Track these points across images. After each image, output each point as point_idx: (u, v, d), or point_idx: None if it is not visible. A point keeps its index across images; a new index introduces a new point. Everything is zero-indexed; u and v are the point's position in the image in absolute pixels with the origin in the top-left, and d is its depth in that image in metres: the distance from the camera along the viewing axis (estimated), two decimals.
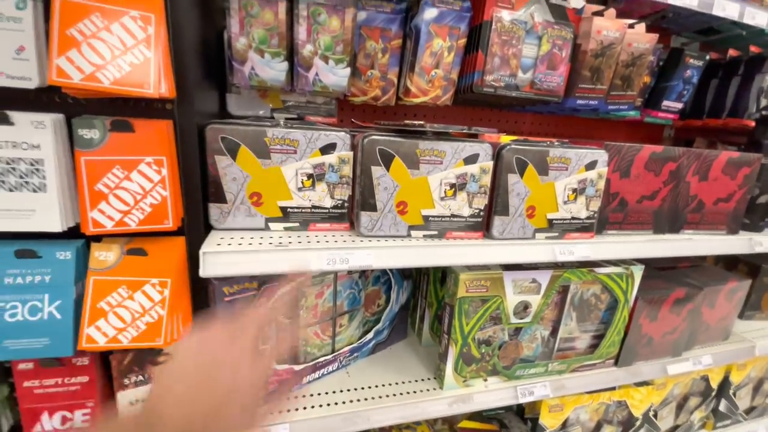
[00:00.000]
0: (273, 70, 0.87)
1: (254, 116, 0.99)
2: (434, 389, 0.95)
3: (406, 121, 0.88)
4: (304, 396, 0.90)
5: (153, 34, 0.61)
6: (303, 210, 0.79)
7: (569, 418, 1.17)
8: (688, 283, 1.16)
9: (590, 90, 1.02)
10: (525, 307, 0.95)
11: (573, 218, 0.90)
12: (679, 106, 1.24)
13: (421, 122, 0.84)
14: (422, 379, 0.99)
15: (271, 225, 0.79)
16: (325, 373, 0.96)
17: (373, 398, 0.90)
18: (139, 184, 0.64)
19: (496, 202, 0.84)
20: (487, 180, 0.83)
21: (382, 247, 0.77)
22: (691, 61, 1.16)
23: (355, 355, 1.02)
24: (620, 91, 1.08)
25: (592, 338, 1.08)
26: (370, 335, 1.04)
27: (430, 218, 0.82)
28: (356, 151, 0.79)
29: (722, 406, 1.46)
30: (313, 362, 0.92)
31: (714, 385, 1.41)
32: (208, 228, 0.76)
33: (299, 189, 0.78)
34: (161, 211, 0.66)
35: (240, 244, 0.71)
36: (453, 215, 0.83)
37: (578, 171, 0.87)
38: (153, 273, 0.68)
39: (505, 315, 0.93)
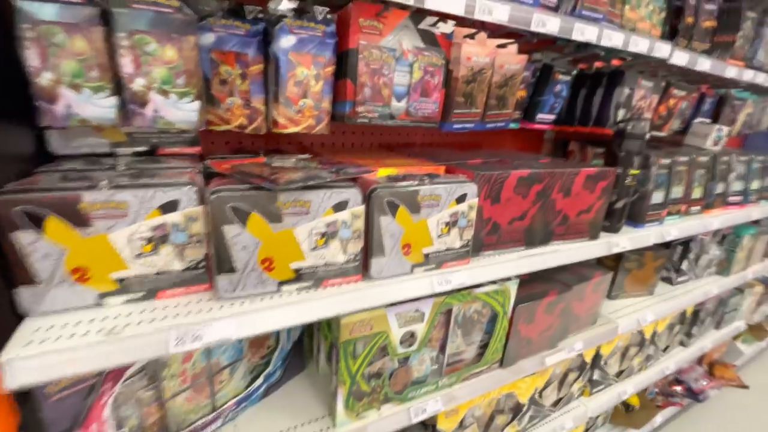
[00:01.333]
0: (97, 107, 0.72)
1: (86, 156, 0.83)
2: (328, 428, 0.94)
3: (274, 164, 0.80)
4: None
5: None
6: (146, 278, 0.69)
7: (465, 417, 1.26)
8: (560, 281, 1.29)
9: (465, 114, 1.03)
10: (411, 335, 0.97)
11: (448, 249, 0.91)
12: (552, 117, 1.32)
13: (302, 157, 0.77)
14: (316, 419, 0.97)
15: (107, 300, 0.67)
16: None
17: None
18: None
19: (372, 244, 0.82)
20: (360, 224, 0.80)
21: (245, 312, 0.71)
22: (560, 76, 1.23)
23: (243, 405, 0.97)
24: (496, 110, 1.11)
25: (478, 348, 1.15)
26: (259, 381, 0.99)
27: (303, 270, 0.77)
28: (206, 208, 0.70)
29: (596, 375, 1.69)
30: (190, 427, 0.85)
31: (588, 359, 1.62)
32: (21, 317, 0.63)
33: (137, 255, 0.67)
34: None
35: (60, 336, 0.59)
36: (327, 264, 0.80)
37: (449, 205, 0.87)
38: None
39: (392, 348, 0.94)
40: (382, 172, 0.91)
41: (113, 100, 0.73)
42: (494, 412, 1.35)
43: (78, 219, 0.62)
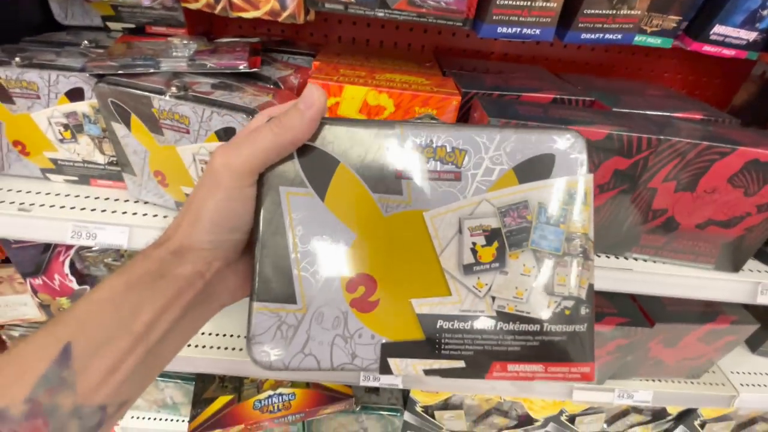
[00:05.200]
0: None
1: (83, 28, 0.82)
2: None
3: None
4: None
5: None
6: (75, 164, 0.69)
7: (450, 398, 1.09)
8: (638, 309, 0.84)
9: (522, 11, 0.60)
10: None
11: None
12: (748, 36, 0.69)
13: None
14: None
15: (49, 176, 0.71)
16: None
17: (203, 346, 0.92)
18: None
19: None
20: None
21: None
22: None
23: None
24: (603, 9, 0.62)
25: None
26: None
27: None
28: None
29: (679, 430, 1.21)
30: None
31: (671, 411, 1.15)
32: None
33: (61, 141, 0.66)
34: None
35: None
36: None
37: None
38: None
39: None
40: (353, 92, 0.64)
41: None
42: (492, 410, 1.13)
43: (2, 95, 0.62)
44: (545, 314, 0.33)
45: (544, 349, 0.33)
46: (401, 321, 0.33)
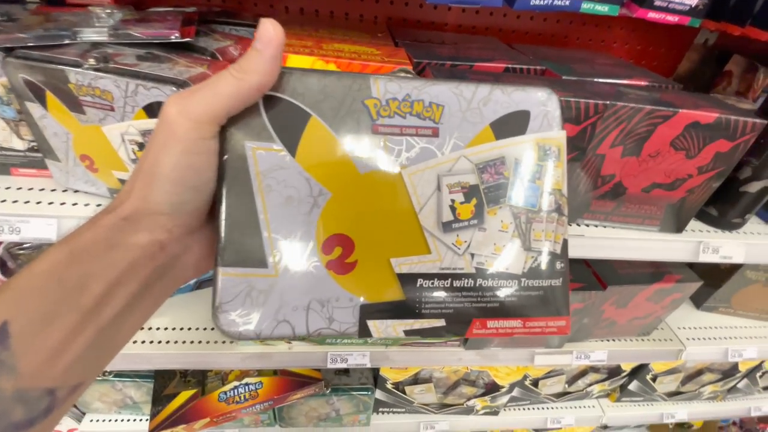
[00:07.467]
0: None
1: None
2: (230, 343, 0.90)
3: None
4: None
5: None
6: None
7: (419, 373, 1.11)
8: (591, 273, 0.87)
9: None
10: None
11: None
12: (690, 1, 0.70)
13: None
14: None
15: None
16: None
17: (159, 342, 0.88)
18: None
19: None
20: None
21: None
22: None
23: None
24: None
25: None
26: None
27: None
28: None
29: (633, 386, 1.30)
30: None
31: (625, 368, 1.23)
32: None
33: None
34: None
35: None
36: None
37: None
38: None
39: None
40: (297, 62, 0.60)
41: None
42: (460, 380, 1.16)
43: None
44: (522, 270, 0.34)
45: (521, 305, 0.33)
46: (380, 282, 0.32)
